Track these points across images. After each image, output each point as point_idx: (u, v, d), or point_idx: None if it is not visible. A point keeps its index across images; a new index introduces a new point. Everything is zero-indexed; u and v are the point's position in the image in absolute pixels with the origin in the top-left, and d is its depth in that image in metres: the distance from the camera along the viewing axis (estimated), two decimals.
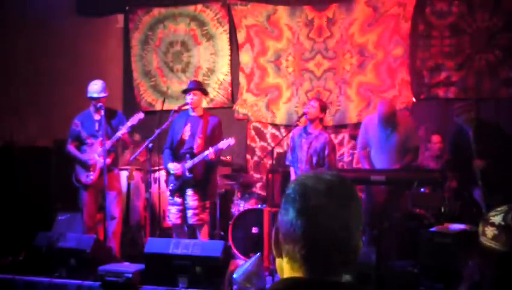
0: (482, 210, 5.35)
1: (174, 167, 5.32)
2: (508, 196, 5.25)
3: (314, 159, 5.44)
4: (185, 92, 5.48)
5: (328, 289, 1.23)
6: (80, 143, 5.63)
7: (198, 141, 5.34)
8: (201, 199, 5.32)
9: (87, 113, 5.69)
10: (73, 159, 5.63)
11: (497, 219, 1.52)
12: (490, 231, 1.51)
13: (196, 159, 5.25)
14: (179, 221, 5.36)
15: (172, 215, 5.37)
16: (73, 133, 5.65)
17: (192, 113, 5.46)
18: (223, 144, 5.26)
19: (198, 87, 5.52)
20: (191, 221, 5.31)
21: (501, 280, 1.48)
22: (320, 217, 1.22)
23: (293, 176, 5.55)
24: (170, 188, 5.39)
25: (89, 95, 5.58)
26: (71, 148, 5.64)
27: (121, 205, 5.74)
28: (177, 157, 5.40)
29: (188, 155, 5.34)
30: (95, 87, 5.57)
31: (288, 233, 1.24)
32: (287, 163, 5.78)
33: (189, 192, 5.31)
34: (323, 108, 5.52)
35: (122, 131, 5.48)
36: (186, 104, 5.44)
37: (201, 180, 5.33)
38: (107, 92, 5.64)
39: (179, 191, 5.35)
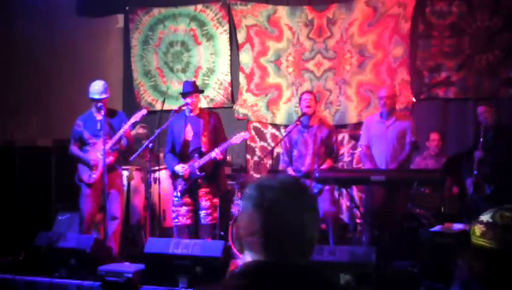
0: (466, 196, 5.43)
1: (181, 168, 5.29)
2: (495, 188, 5.33)
3: (323, 149, 5.48)
4: (184, 95, 5.42)
5: (286, 269, 1.32)
6: (82, 143, 5.63)
7: (203, 140, 5.35)
8: (213, 198, 5.34)
9: (89, 113, 5.69)
10: (76, 159, 5.63)
11: (485, 217, 1.56)
12: (478, 229, 1.55)
13: (206, 158, 5.25)
14: (189, 221, 5.34)
15: (181, 216, 5.34)
16: (76, 134, 5.64)
17: (189, 114, 5.45)
18: (237, 138, 5.33)
19: (197, 89, 5.51)
20: (204, 221, 5.30)
21: (489, 277, 1.51)
22: (275, 210, 1.34)
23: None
24: (180, 189, 5.35)
25: (91, 96, 5.58)
26: (74, 149, 5.64)
27: (122, 205, 5.74)
28: (183, 158, 5.38)
29: (196, 155, 5.34)
30: (96, 88, 5.56)
31: (248, 226, 1.36)
32: (283, 165, 5.75)
33: (201, 192, 5.32)
34: (316, 98, 5.67)
35: (125, 128, 5.48)
36: (186, 104, 5.41)
37: (211, 178, 5.34)
38: (109, 92, 5.63)
39: (188, 191, 5.34)
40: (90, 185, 5.53)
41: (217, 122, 5.47)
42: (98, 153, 5.49)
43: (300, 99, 5.68)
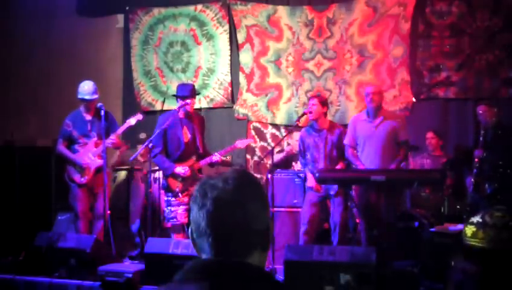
0: (467, 195, 5.41)
1: (184, 170, 5.36)
2: (495, 188, 5.33)
3: (335, 152, 5.49)
4: (185, 98, 5.44)
5: (229, 268, 1.30)
6: (71, 142, 5.66)
7: (200, 142, 5.49)
8: None
9: (77, 113, 5.72)
10: (65, 159, 5.66)
11: (475, 218, 1.58)
12: (469, 230, 1.57)
13: (207, 160, 5.45)
14: (186, 220, 5.38)
15: (179, 215, 5.37)
16: (65, 133, 5.67)
17: (181, 116, 5.50)
18: (242, 143, 5.69)
19: (196, 94, 5.61)
20: None
21: (481, 276, 1.52)
22: (218, 208, 1.33)
23: (309, 177, 5.50)
24: (177, 189, 5.38)
25: (80, 96, 5.61)
26: (63, 148, 5.67)
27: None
28: (180, 160, 5.43)
29: (194, 156, 5.47)
30: (86, 89, 5.59)
31: (197, 229, 1.35)
32: (302, 167, 5.80)
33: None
34: (324, 102, 5.59)
35: (120, 131, 5.56)
36: (186, 104, 5.42)
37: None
38: (98, 93, 5.67)
39: (185, 191, 5.38)
40: (82, 185, 5.57)
41: (204, 124, 5.67)
42: (89, 153, 5.54)
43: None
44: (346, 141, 5.54)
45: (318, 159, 5.49)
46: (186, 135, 5.45)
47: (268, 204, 1.43)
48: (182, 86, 5.59)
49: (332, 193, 5.40)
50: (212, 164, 5.51)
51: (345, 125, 6.92)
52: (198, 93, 5.89)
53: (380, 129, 5.37)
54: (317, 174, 5.14)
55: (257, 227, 1.35)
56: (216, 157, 5.41)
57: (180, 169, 5.35)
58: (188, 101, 5.41)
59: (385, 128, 5.36)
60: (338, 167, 5.50)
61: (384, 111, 5.52)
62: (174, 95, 5.60)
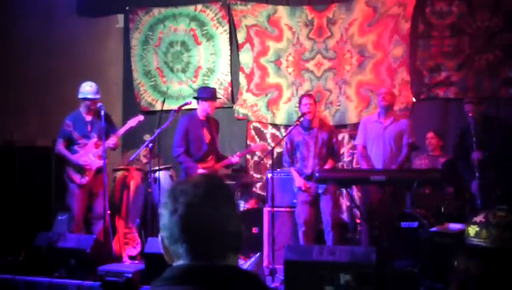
0: (476, 202, 5.36)
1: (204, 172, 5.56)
2: (504, 190, 5.28)
3: (324, 150, 5.52)
4: (206, 100, 5.63)
5: (210, 271, 1.30)
6: (71, 143, 5.66)
7: (217, 143, 5.77)
8: None
9: (77, 114, 5.73)
10: (64, 160, 5.67)
11: (478, 218, 1.58)
12: (472, 229, 1.57)
13: (227, 161, 5.73)
14: None
15: None
16: (65, 134, 5.68)
17: (201, 117, 5.71)
18: (257, 147, 6.31)
19: (216, 97, 5.86)
20: None
21: (484, 276, 1.52)
22: (191, 213, 1.32)
23: (296, 177, 5.55)
24: None
25: (83, 96, 5.62)
26: (62, 148, 5.68)
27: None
28: (202, 160, 5.63)
29: (211, 157, 5.70)
30: (89, 89, 5.61)
31: (169, 236, 1.33)
32: (285, 165, 5.84)
33: None
34: (315, 100, 5.76)
35: (121, 132, 5.57)
36: (186, 105, 5.51)
37: None
38: (100, 93, 5.70)
39: None
40: (81, 185, 5.59)
41: (218, 127, 5.89)
42: (89, 154, 5.56)
43: (300, 102, 5.69)
44: (358, 140, 5.69)
45: (307, 157, 5.52)
46: (207, 136, 5.66)
47: (237, 207, 1.43)
48: (202, 89, 5.82)
49: (320, 191, 5.41)
50: (228, 165, 5.67)
51: (345, 126, 6.97)
52: (219, 98, 6.05)
53: (389, 130, 5.51)
54: (317, 174, 5.15)
55: (232, 229, 1.35)
56: (235, 159, 5.69)
57: (202, 171, 5.53)
58: (189, 101, 5.59)
59: (394, 129, 5.50)
60: (328, 165, 5.52)
61: (395, 113, 5.70)
62: (194, 97, 5.79)
